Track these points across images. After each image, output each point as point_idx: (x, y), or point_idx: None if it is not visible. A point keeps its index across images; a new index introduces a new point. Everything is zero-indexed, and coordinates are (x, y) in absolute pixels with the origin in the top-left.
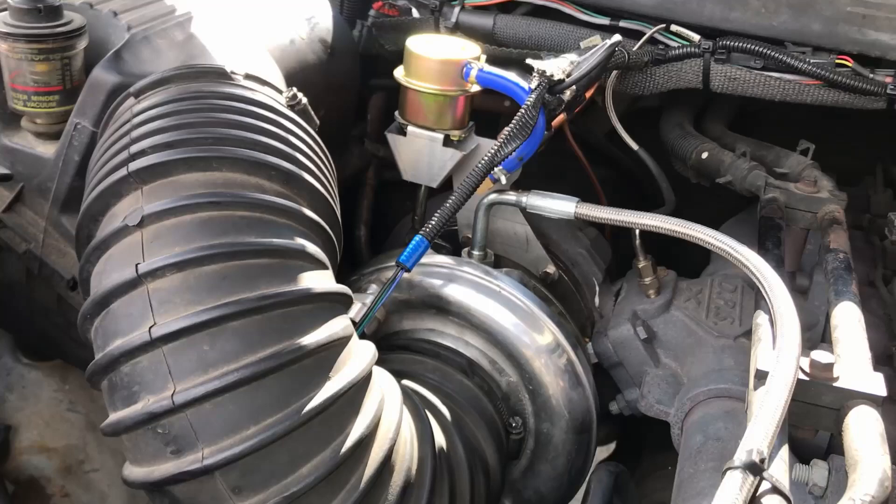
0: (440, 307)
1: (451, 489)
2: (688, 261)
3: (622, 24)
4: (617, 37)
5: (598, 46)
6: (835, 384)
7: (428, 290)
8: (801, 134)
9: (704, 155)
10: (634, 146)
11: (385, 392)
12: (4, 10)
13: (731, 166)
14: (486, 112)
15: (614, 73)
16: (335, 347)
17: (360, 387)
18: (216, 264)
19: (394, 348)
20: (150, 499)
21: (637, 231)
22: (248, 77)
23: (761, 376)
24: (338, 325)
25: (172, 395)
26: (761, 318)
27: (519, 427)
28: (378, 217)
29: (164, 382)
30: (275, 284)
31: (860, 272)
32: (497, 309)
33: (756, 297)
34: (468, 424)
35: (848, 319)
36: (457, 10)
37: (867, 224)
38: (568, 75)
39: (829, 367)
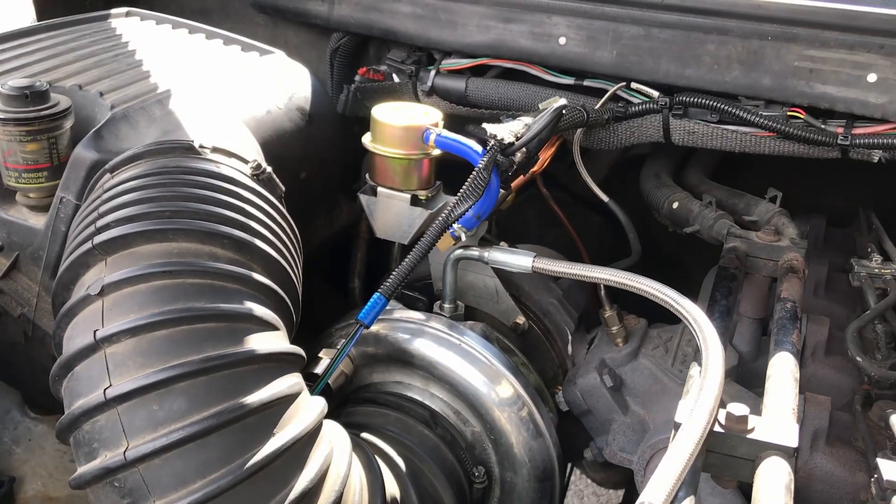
0: (405, 360)
1: None
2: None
3: (586, 83)
4: (562, 100)
5: (547, 109)
6: (749, 436)
7: (394, 345)
8: (793, 177)
9: (675, 205)
10: (605, 198)
11: (334, 445)
12: None
13: (698, 216)
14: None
15: (579, 130)
16: (280, 405)
17: (305, 441)
18: (166, 329)
19: (361, 401)
20: None
21: (601, 284)
22: (215, 150)
23: (678, 428)
24: (284, 384)
25: (125, 451)
26: (694, 370)
27: (482, 476)
28: (374, 269)
29: (118, 439)
30: (220, 347)
31: (839, 316)
32: (459, 363)
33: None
34: (426, 475)
35: (781, 370)
36: (432, 74)
37: (850, 268)
38: (519, 138)
39: (744, 419)
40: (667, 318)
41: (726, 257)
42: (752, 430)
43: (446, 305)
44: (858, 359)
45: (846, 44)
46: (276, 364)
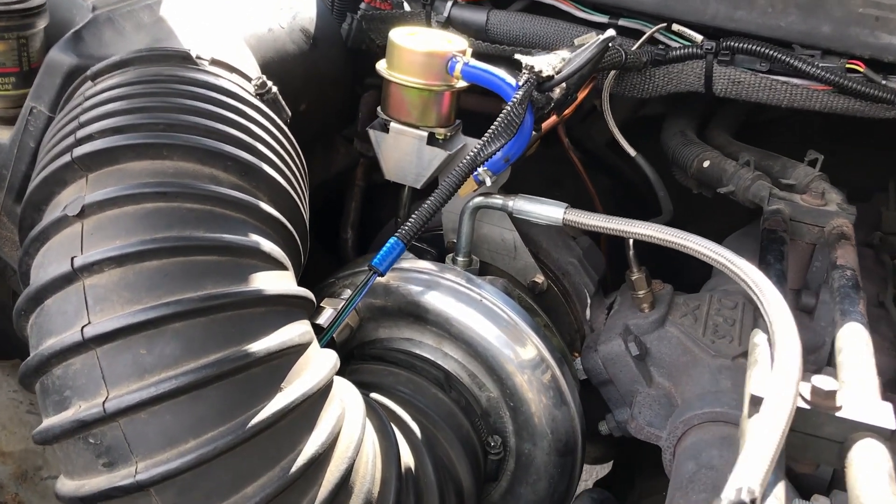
0: (418, 315)
1: None
2: (688, 275)
3: (621, 22)
4: (611, 32)
5: (591, 42)
6: (838, 414)
7: (406, 297)
8: (808, 146)
9: (706, 163)
10: (632, 152)
11: (346, 406)
12: None
13: (733, 176)
14: (480, 114)
15: (611, 74)
16: (289, 355)
17: (316, 399)
18: (159, 260)
19: (367, 358)
20: None
21: (631, 241)
22: (214, 62)
23: (756, 402)
24: (294, 332)
25: (104, 401)
26: (759, 338)
27: (498, 447)
28: (368, 220)
29: (96, 388)
30: (223, 284)
31: (870, 292)
32: (478, 319)
33: (755, 316)
34: (441, 442)
35: (854, 342)
36: (449, 4)
37: (878, 242)
38: (558, 72)
39: (832, 394)
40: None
41: (771, 219)
42: (840, 407)
43: (460, 258)
44: None
45: None
46: (284, 308)
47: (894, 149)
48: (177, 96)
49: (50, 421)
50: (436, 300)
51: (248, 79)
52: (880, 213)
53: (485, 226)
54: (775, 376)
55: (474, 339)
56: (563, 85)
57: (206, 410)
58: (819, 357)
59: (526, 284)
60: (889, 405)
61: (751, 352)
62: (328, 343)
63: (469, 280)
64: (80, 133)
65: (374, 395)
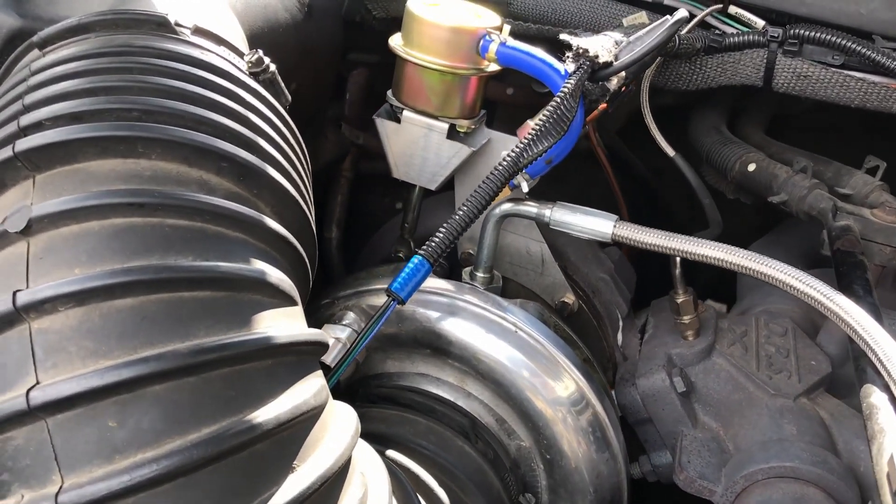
0: (438, 347)
1: None
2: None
3: (667, 1)
4: (683, 12)
5: (660, 22)
6: None
7: (423, 325)
8: (835, 143)
9: (751, 167)
10: (671, 152)
11: (368, 481)
12: None
13: (786, 183)
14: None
15: (655, 62)
16: (303, 423)
17: (336, 479)
18: (134, 297)
19: (374, 397)
20: None
21: (678, 260)
22: (197, 31)
23: None
24: (308, 390)
25: (58, 493)
26: (876, 398)
27: None
28: (353, 216)
29: (46, 473)
30: (219, 330)
31: None
32: (511, 353)
33: (857, 363)
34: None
35: None
36: None
37: None
38: (616, 58)
39: None
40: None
41: (844, 239)
42: None
43: (480, 274)
44: None
45: None
46: (296, 358)
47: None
48: (154, 74)
49: None
50: (459, 329)
51: (241, 54)
52: None
53: (508, 235)
54: None
55: (506, 379)
56: (622, 74)
57: (200, 490)
58: None
59: (554, 305)
60: None
61: (868, 416)
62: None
63: (497, 305)
64: (25, 119)
65: (391, 452)
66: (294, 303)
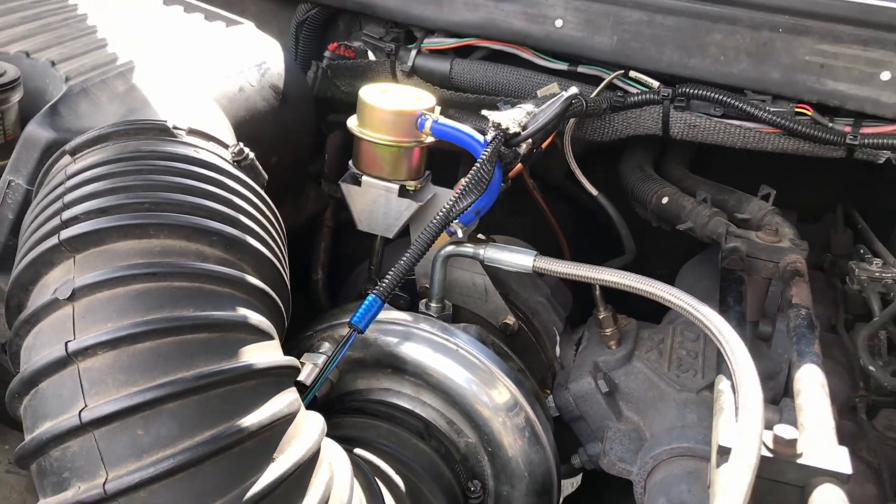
0: (396, 367)
1: None
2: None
3: (580, 69)
4: (574, 89)
5: (555, 98)
6: (799, 461)
7: (383, 349)
8: (761, 170)
9: (665, 200)
10: (594, 191)
11: (335, 468)
12: None
13: (691, 213)
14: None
15: (572, 120)
16: (280, 426)
17: (307, 466)
18: (151, 341)
19: (347, 410)
20: None
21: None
22: (191, 132)
23: (724, 452)
24: (283, 402)
25: (104, 483)
26: (723, 385)
27: (478, 491)
28: (337, 259)
29: (95, 469)
30: (214, 361)
31: (821, 317)
32: (454, 368)
33: (718, 359)
34: (425, 494)
35: (811, 384)
36: (413, 53)
37: (828, 265)
38: (524, 128)
39: (793, 443)
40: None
41: (729, 259)
42: (800, 454)
43: (433, 304)
44: (871, 368)
45: (860, 39)
46: (273, 379)
47: (843, 170)
48: (159, 173)
49: (48, 501)
50: (413, 351)
51: (225, 146)
52: (829, 236)
53: (456, 270)
54: (741, 427)
55: (451, 388)
56: (529, 140)
57: (203, 486)
58: (777, 383)
59: (497, 326)
60: (845, 450)
61: (716, 398)
62: (309, 398)
63: (444, 329)
64: (66, 214)
65: (357, 450)
66: (271, 338)
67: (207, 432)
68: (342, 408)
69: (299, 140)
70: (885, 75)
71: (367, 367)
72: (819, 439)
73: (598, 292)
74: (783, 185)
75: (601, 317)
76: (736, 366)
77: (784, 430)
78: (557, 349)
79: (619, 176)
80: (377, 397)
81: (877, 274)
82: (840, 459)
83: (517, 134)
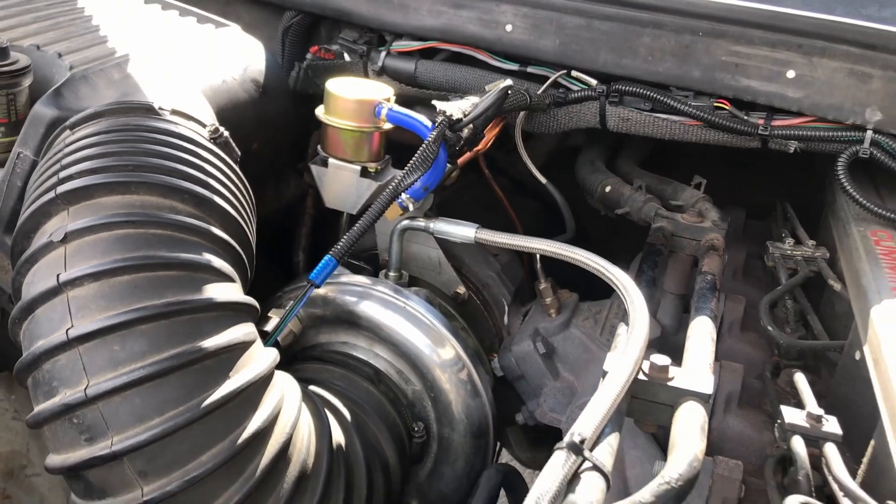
0: (352, 322)
1: (348, 483)
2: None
3: (530, 69)
4: (508, 81)
5: (493, 89)
6: (669, 384)
7: (341, 307)
8: (716, 172)
9: (607, 189)
10: (543, 180)
11: (285, 393)
12: None
13: (629, 199)
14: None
15: (522, 113)
16: (236, 351)
17: (258, 386)
18: (128, 275)
19: (309, 359)
20: (69, 485)
21: (538, 255)
22: (174, 112)
23: (605, 375)
24: (240, 332)
25: (86, 388)
26: (621, 329)
27: (421, 431)
28: (320, 244)
29: (79, 378)
30: (181, 294)
31: (755, 297)
32: (404, 324)
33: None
34: (370, 427)
35: (700, 332)
36: (383, 55)
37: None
38: (466, 115)
39: (665, 368)
40: (598, 297)
41: (654, 235)
42: (671, 378)
43: (391, 274)
44: (770, 328)
45: (769, 42)
46: (232, 312)
47: (787, 172)
48: (142, 142)
49: (40, 407)
50: (368, 308)
51: (203, 125)
52: (771, 230)
53: (413, 245)
54: (622, 355)
55: (401, 342)
56: (471, 126)
57: (167, 394)
58: None
59: (450, 295)
60: (712, 376)
61: (614, 341)
62: (275, 346)
63: (396, 291)
64: (63, 174)
65: (312, 387)
66: (232, 280)
67: (173, 350)
68: (304, 357)
69: (277, 129)
70: (791, 73)
71: (327, 323)
72: (691, 369)
73: (538, 265)
74: (737, 187)
75: (541, 287)
76: (632, 312)
77: (658, 359)
78: (505, 318)
79: (575, 171)
80: (335, 349)
81: (788, 252)
82: (704, 382)
83: (459, 120)
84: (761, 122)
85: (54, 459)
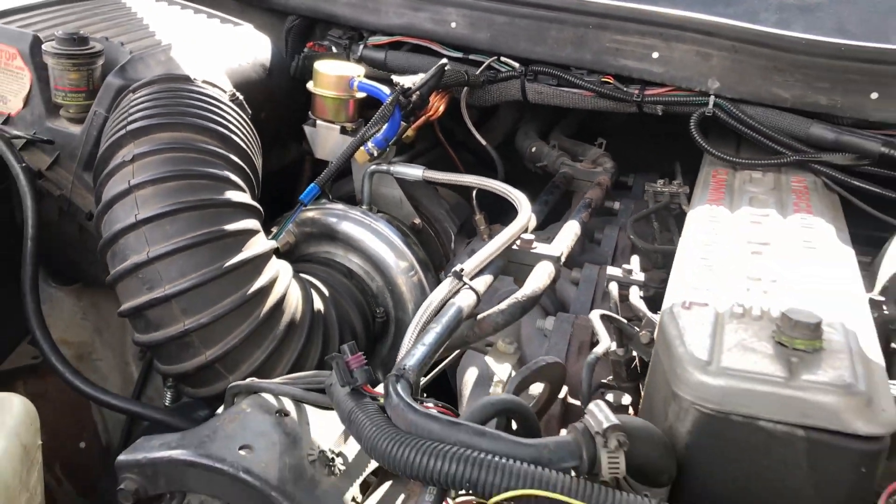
0: (332, 236)
1: (325, 336)
2: None
3: (471, 56)
4: (443, 60)
5: (433, 67)
6: (531, 251)
7: (325, 225)
8: (644, 145)
9: (533, 149)
10: (483, 141)
11: (280, 269)
12: (52, 39)
13: (546, 155)
14: None
15: (465, 89)
16: (246, 234)
17: (261, 260)
18: (174, 182)
19: (300, 262)
20: (132, 324)
21: (475, 192)
22: (204, 82)
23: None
24: (249, 223)
25: (147, 252)
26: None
27: (382, 313)
28: None
29: (143, 247)
30: (209, 195)
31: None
32: (371, 237)
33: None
34: (342, 303)
35: (568, 228)
36: (361, 47)
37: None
38: (415, 85)
39: (530, 242)
40: None
41: (557, 177)
42: (535, 248)
43: (363, 206)
44: (631, 237)
45: (639, 31)
46: (243, 210)
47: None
48: (183, 99)
49: (116, 269)
50: (344, 226)
51: (224, 91)
52: None
53: (382, 188)
54: (508, 230)
55: (367, 250)
56: (419, 93)
57: (200, 259)
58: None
59: (408, 225)
60: (561, 248)
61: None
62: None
63: (366, 213)
64: (130, 118)
65: (301, 274)
66: (245, 192)
67: (204, 230)
68: (298, 262)
69: (281, 103)
70: (655, 54)
71: (314, 238)
72: (555, 246)
73: (474, 202)
74: (663, 158)
75: (476, 218)
76: (520, 211)
77: (527, 235)
78: (452, 245)
79: (514, 141)
80: (320, 256)
81: (658, 189)
82: (556, 249)
83: (409, 88)
84: (636, 91)
85: (124, 307)
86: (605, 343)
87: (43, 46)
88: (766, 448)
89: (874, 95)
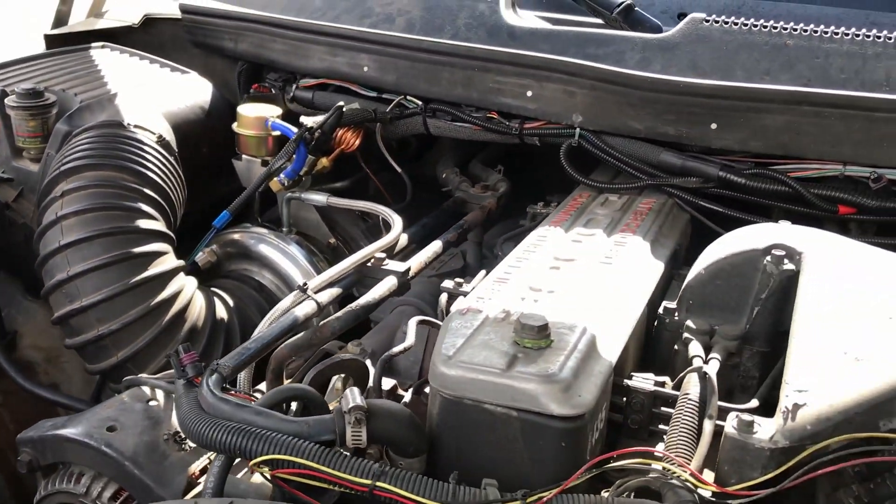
0: (248, 255)
1: (227, 340)
2: None
3: (384, 95)
4: (340, 103)
5: (332, 109)
6: (382, 267)
7: (244, 246)
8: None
9: (444, 175)
10: (398, 168)
11: (186, 283)
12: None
13: (452, 181)
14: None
15: (379, 125)
16: (152, 256)
17: (167, 276)
18: (93, 213)
19: (223, 279)
20: (62, 330)
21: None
22: (136, 126)
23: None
24: (156, 246)
25: (68, 271)
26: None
27: None
28: None
29: (65, 267)
30: (122, 223)
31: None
32: (281, 257)
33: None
34: (248, 312)
35: (429, 248)
36: (293, 88)
37: None
38: (317, 124)
39: (383, 259)
40: None
41: (450, 201)
42: (386, 264)
43: (284, 229)
44: (500, 254)
45: (515, 73)
46: (152, 235)
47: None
48: (111, 143)
49: (46, 285)
50: (259, 248)
51: (153, 133)
52: None
53: (302, 212)
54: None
55: (278, 267)
56: (320, 131)
57: (111, 276)
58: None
59: (325, 244)
60: (412, 266)
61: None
62: (194, 265)
63: (279, 236)
64: (65, 159)
65: (212, 288)
66: (158, 220)
67: (115, 253)
68: (221, 278)
69: (219, 140)
70: (529, 93)
71: (235, 257)
72: (400, 263)
73: (381, 220)
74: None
75: (330, 241)
76: (392, 231)
77: (380, 254)
78: None
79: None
80: (238, 273)
81: (538, 210)
82: (402, 267)
83: (311, 127)
84: (516, 126)
85: (54, 316)
86: (408, 343)
87: (6, 100)
88: (491, 426)
89: (713, 126)
